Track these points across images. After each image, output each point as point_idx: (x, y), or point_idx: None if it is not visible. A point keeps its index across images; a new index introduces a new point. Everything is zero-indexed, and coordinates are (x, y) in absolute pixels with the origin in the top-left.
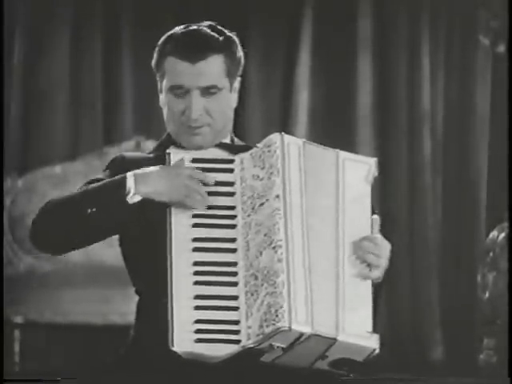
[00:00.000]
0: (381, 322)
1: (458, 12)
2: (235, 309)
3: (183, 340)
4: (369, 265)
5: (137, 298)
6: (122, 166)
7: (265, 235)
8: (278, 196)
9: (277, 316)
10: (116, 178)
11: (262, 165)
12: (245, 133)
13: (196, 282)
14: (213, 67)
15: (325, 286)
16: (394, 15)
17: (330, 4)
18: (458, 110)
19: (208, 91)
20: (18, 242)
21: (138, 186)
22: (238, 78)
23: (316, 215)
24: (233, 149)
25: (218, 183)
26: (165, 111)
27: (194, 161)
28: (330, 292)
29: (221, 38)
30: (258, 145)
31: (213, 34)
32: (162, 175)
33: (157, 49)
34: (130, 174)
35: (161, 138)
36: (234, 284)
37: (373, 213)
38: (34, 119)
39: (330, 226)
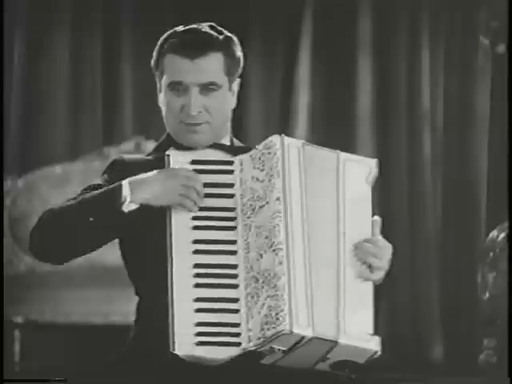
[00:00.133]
0: (381, 321)
1: (458, 12)
2: (236, 311)
3: (184, 343)
4: (370, 266)
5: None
6: (121, 169)
7: (265, 238)
8: (278, 198)
9: (278, 319)
10: (112, 186)
11: (262, 167)
12: (244, 133)
13: (196, 285)
14: (212, 64)
15: (326, 288)
16: (394, 15)
17: (329, 4)
18: (457, 109)
19: (207, 88)
20: (18, 241)
21: (133, 194)
22: (238, 80)
23: (317, 217)
24: (232, 150)
25: (217, 185)
26: (164, 110)
27: (194, 162)
28: (331, 294)
29: (220, 37)
30: (257, 146)
31: (213, 32)
32: (158, 179)
33: (156, 48)
34: (125, 183)
35: (160, 139)
36: (235, 286)
37: (374, 214)
38: (33, 119)
39: (330, 227)
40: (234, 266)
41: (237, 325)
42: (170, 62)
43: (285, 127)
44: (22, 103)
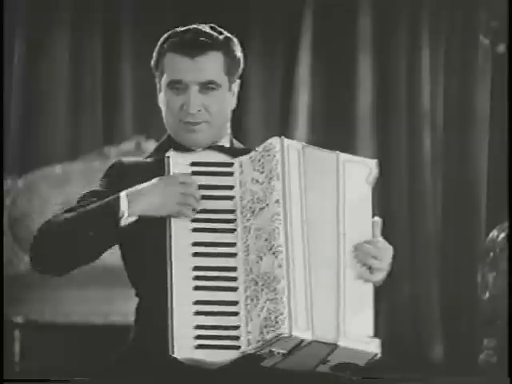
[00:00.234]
0: (381, 321)
1: (458, 12)
2: (235, 314)
3: (183, 346)
4: (370, 268)
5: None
6: (120, 172)
7: (265, 240)
8: (277, 201)
9: (277, 322)
10: (109, 199)
11: (262, 169)
12: (244, 133)
13: (196, 288)
14: (212, 63)
15: (326, 290)
16: (394, 15)
17: (329, 4)
18: (457, 109)
19: (206, 87)
20: (18, 241)
21: (131, 208)
22: (238, 81)
23: (316, 219)
24: (232, 152)
25: (217, 187)
26: (163, 109)
27: (193, 164)
28: (331, 297)
29: (220, 37)
30: (257, 148)
31: (213, 32)
32: (154, 189)
33: (156, 48)
34: (123, 195)
35: (160, 140)
36: (234, 289)
37: (374, 215)
38: (34, 119)
39: (330, 229)
40: (234, 269)
41: (236, 328)
42: (170, 60)
43: (285, 127)
44: (21, 103)
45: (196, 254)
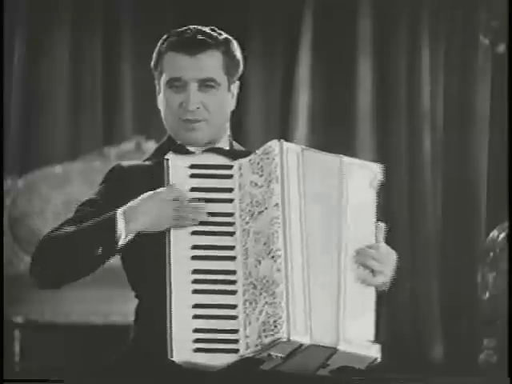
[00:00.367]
0: (381, 321)
1: (458, 12)
2: (234, 318)
3: (182, 350)
4: (372, 271)
5: None
6: (120, 176)
7: (264, 244)
8: (277, 204)
9: (275, 326)
10: (106, 218)
11: (261, 172)
12: (244, 133)
13: (195, 291)
14: (211, 61)
15: (325, 295)
16: (394, 15)
17: (329, 4)
18: (457, 109)
19: (206, 85)
20: (18, 241)
21: (128, 226)
22: (237, 83)
23: (316, 222)
24: (231, 154)
25: (216, 189)
26: (162, 110)
27: (192, 167)
28: (331, 301)
29: (220, 37)
30: (256, 151)
31: (212, 32)
32: (149, 206)
33: (156, 49)
34: (119, 214)
35: (160, 142)
36: (233, 292)
37: (378, 219)
38: (34, 119)
39: (331, 233)
40: (233, 272)
41: (235, 331)
42: (170, 59)
43: (285, 127)
44: (21, 103)
45: (195, 257)
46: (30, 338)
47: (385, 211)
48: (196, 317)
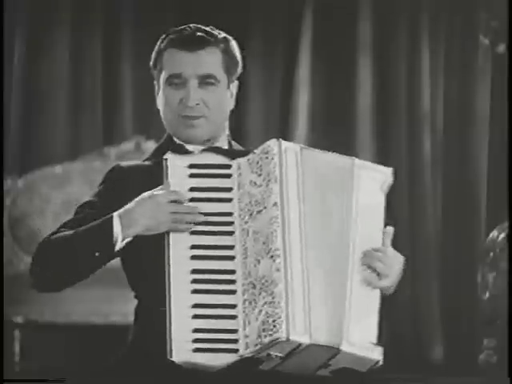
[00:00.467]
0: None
1: (458, 12)
2: (233, 317)
3: (181, 350)
4: (378, 274)
5: None
6: (120, 177)
7: (263, 243)
8: (275, 204)
9: (274, 326)
10: (102, 221)
11: (260, 171)
12: (245, 133)
13: (194, 291)
14: (211, 57)
15: (326, 295)
16: (393, 16)
17: (330, 5)
18: (457, 110)
19: (206, 82)
20: (18, 241)
21: (124, 231)
22: (236, 82)
23: (317, 223)
24: (230, 154)
25: (215, 189)
26: (162, 108)
27: (191, 166)
28: (334, 301)
29: (219, 36)
30: (255, 150)
31: (212, 31)
32: (145, 209)
33: (155, 48)
34: (115, 217)
35: (159, 142)
36: (232, 292)
37: (386, 223)
38: (34, 119)
39: (333, 233)
40: (232, 272)
41: (234, 331)
42: (169, 56)
43: (285, 127)
44: (21, 103)
45: (194, 257)
46: (30, 337)
47: (385, 212)
48: (195, 317)
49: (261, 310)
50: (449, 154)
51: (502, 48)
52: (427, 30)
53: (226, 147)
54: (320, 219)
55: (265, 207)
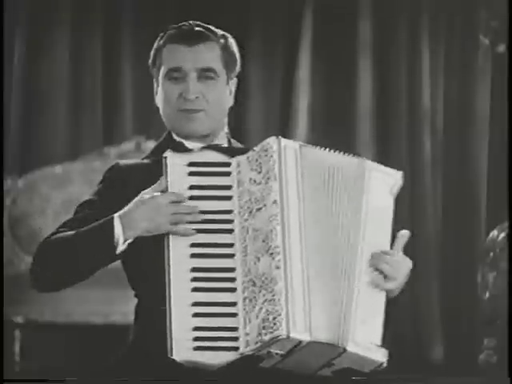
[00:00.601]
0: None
1: (458, 12)
2: (233, 315)
3: (182, 348)
4: (385, 276)
5: None
6: (119, 175)
7: (262, 241)
8: (275, 201)
9: (275, 324)
10: (103, 223)
11: (259, 169)
12: (245, 133)
13: (194, 289)
14: (210, 52)
15: (330, 293)
16: (393, 16)
17: (330, 5)
18: (458, 110)
19: (205, 75)
20: (18, 241)
21: (125, 232)
22: (235, 80)
23: (318, 220)
24: (229, 151)
25: (214, 187)
26: (161, 105)
27: (191, 164)
28: (337, 300)
29: (218, 32)
30: (254, 148)
31: (210, 27)
32: (145, 211)
33: (154, 46)
34: (116, 220)
35: (159, 140)
36: (232, 290)
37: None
38: (34, 119)
39: (344, 234)
40: (232, 270)
41: (234, 329)
42: (169, 51)
43: (285, 127)
44: (21, 103)
45: (194, 255)
46: (30, 337)
47: (394, 216)
48: (196, 315)
49: (261, 308)
50: (449, 154)
51: (501, 48)
52: (427, 30)
53: (226, 145)
54: (325, 218)
55: (264, 205)
